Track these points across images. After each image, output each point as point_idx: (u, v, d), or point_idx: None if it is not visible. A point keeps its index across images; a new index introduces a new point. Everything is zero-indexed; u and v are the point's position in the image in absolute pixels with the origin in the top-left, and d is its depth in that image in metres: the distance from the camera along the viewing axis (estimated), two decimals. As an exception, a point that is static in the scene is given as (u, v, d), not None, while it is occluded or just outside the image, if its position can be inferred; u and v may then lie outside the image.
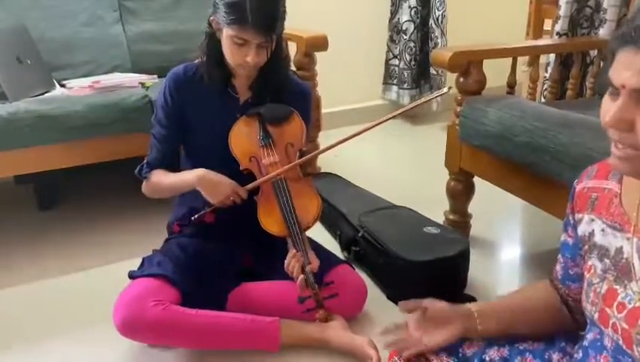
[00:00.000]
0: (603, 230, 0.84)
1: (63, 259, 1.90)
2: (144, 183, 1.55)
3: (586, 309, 0.86)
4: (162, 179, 1.53)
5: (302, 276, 1.38)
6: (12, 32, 2.07)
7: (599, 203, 0.86)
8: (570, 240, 0.95)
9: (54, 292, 1.75)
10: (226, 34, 1.40)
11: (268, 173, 1.46)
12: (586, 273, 0.86)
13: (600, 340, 0.82)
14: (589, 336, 0.85)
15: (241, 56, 1.40)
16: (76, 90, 2.03)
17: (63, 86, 2.11)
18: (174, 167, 1.56)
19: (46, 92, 2.01)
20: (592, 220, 0.87)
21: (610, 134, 0.75)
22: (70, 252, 1.95)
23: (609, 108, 0.73)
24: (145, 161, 1.56)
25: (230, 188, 1.45)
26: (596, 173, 0.90)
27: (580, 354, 0.87)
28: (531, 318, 0.99)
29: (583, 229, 0.89)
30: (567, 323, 0.99)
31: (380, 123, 1.39)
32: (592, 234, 0.86)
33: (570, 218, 0.93)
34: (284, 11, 1.44)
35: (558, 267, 1.00)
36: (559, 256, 0.99)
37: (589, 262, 0.86)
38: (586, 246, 0.88)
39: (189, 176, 1.48)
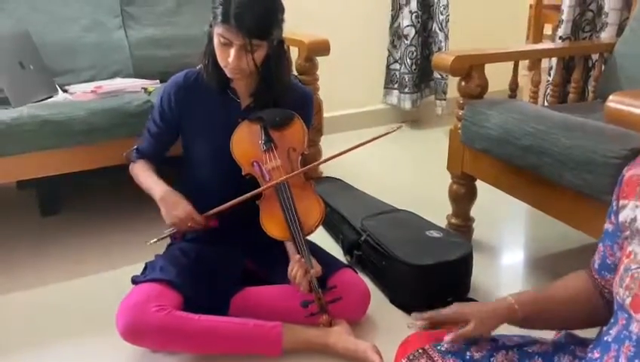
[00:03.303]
0: None
1: (65, 265, 1.90)
2: (131, 165, 1.64)
3: (617, 294, 0.85)
4: (140, 174, 1.60)
5: (305, 281, 1.38)
6: (15, 37, 2.07)
7: None
8: (610, 227, 0.94)
9: (57, 297, 1.74)
10: (215, 31, 1.41)
11: (270, 177, 1.46)
12: (624, 258, 0.86)
13: (626, 327, 0.82)
14: (613, 331, 0.85)
15: (225, 56, 1.41)
16: (79, 95, 2.03)
17: (65, 91, 2.11)
18: (161, 159, 1.65)
19: (49, 97, 2.01)
20: (637, 207, 0.86)
21: None
22: (73, 257, 1.95)
23: None
24: (135, 147, 1.64)
25: (185, 211, 1.47)
26: None
27: (597, 354, 0.87)
28: (569, 310, 0.99)
29: (625, 215, 0.88)
30: (601, 315, 0.98)
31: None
32: (634, 220, 0.86)
33: (614, 204, 0.93)
34: (281, 19, 1.43)
35: (596, 256, 0.99)
36: (599, 244, 0.98)
37: (629, 248, 0.85)
38: (627, 232, 0.87)
39: (155, 189, 1.53)
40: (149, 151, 1.64)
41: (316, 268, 1.41)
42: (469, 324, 0.97)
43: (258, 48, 1.41)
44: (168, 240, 1.59)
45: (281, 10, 1.43)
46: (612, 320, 0.87)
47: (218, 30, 1.39)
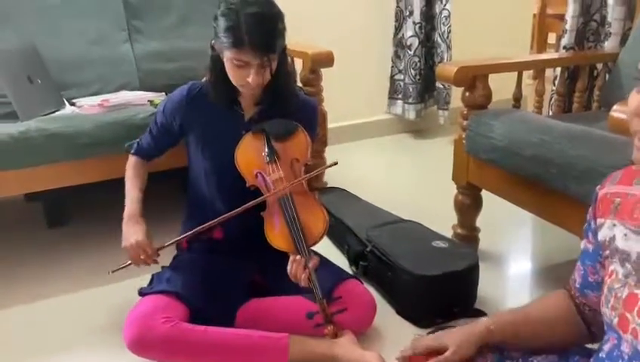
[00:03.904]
0: (625, 235, 0.84)
1: (72, 277, 1.91)
2: (129, 157, 1.70)
3: (605, 315, 0.85)
4: (128, 178, 1.64)
5: (305, 274, 1.37)
6: (22, 52, 2.10)
7: (622, 208, 0.86)
8: (590, 247, 0.94)
9: (63, 309, 1.75)
10: (227, 56, 1.42)
11: (274, 188, 1.47)
12: (607, 278, 0.86)
13: (617, 347, 0.81)
14: (606, 347, 0.85)
15: (243, 77, 1.43)
16: (86, 108, 2.05)
17: (73, 105, 2.13)
18: (157, 157, 1.72)
19: (56, 111, 2.03)
20: (614, 225, 0.86)
21: (634, 125, 0.79)
22: (79, 269, 1.96)
23: (635, 99, 0.79)
24: (137, 141, 1.70)
25: (137, 241, 1.49)
26: (620, 179, 0.90)
27: None
28: (547, 331, 0.99)
29: (603, 234, 0.88)
30: (582, 336, 0.98)
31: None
32: (612, 239, 0.86)
33: (592, 223, 0.93)
34: (284, 28, 1.45)
35: (576, 275, 0.99)
36: (578, 263, 0.98)
37: (611, 268, 0.85)
38: (607, 252, 0.87)
39: (126, 208, 1.58)
40: (146, 149, 1.69)
41: (314, 260, 1.40)
42: (447, 350, 0.99)
43: (273, 61, 1.43)
44: (173, 256, 1.60)
45: (282, 19, 1.46)
46: (605, 337, 0.87)
47: (230, 54, 1.40)
